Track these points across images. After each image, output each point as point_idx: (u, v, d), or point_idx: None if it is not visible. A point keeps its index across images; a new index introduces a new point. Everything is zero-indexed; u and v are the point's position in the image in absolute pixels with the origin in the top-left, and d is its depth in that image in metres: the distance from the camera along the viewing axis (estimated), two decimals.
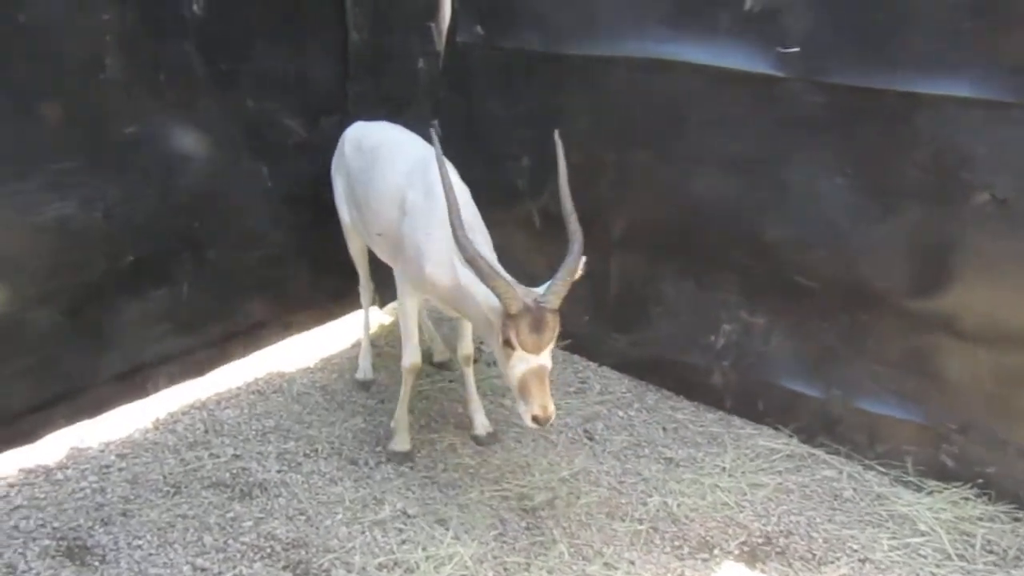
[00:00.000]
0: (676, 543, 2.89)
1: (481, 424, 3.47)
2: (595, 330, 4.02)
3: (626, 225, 3.76)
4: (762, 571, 2.77)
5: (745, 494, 3.14)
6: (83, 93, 2.96)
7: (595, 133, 3.68)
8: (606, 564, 2.76)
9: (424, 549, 2.78)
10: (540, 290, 2.50)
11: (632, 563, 2.77)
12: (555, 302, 2.45)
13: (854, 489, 3.16)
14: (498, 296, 2.43)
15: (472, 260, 2.46)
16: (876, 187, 3.03)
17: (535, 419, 2.42)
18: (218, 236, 3.53)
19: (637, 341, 3.89)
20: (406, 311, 3.16)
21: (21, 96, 2.80)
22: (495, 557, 2.78)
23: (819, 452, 3.37)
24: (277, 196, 3.71)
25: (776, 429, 3.52)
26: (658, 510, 3.05)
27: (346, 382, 3.87)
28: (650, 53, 3.42)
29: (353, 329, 4.32)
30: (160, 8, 3.13)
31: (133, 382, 3.38)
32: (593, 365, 4.08)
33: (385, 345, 4.20)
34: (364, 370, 3.88)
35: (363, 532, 2.87)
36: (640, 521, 2.99)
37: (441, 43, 4.09)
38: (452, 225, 2.51)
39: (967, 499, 3.03)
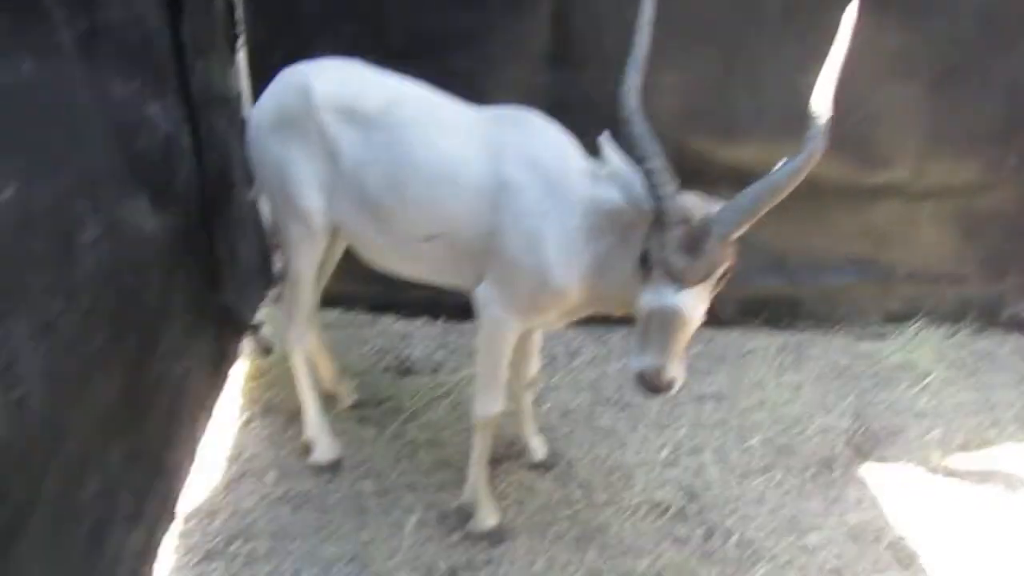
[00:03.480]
0: (802, 470, 2.81)
1: (538, 447, 2.79)
2: None
3: None
4: (869, 472, 2.84)
5: (791, 401, 3.15)
6: None
7: None
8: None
9: None
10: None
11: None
12: (731, 226, 1.67)
13: (847, 357, 3.45)
14: (650, 186, 1.70)
15: (630, 119, 1.73)
16: None
17: (642, 379, 1.72)
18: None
19: None
20: (499, 346, 2.24)
21: None
22: None
23: (794, 335, 3.57)
24: (165, 244, 2.11)
25: (744, 327, 3.59)
26: (767, 447, 2.91)
27: (310, 479, 2.64)
28: None
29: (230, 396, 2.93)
30: None
31: None
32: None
33: (282, 400, 2.91)
34: (326, 447, 2.70)
35: None
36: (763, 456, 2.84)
37: None
38: (626, 71, 1.76)
39: (920, 331, 3.58)
